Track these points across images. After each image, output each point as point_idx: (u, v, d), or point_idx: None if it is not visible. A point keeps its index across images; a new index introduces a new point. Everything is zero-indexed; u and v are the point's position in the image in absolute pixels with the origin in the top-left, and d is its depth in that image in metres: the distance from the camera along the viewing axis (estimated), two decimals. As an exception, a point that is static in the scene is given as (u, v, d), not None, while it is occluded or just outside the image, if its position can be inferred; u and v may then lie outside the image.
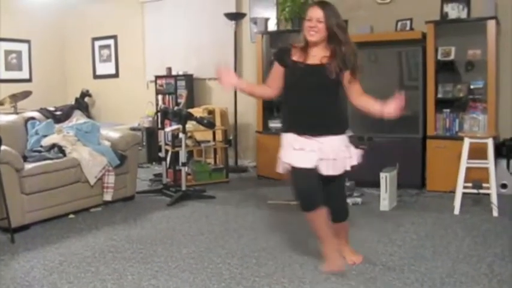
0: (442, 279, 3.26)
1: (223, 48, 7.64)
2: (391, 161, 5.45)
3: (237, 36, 7.48)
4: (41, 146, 5.14)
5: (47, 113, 5.75)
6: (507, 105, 5.87)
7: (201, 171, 6.58)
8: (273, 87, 3.50)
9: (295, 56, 3.40)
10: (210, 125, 6.06)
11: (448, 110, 5.82)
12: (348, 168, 3.44)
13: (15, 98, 7.88)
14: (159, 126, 6.93)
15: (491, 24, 5.46)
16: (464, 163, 4.88)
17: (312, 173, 3.31)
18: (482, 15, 5.58)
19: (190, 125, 6.09)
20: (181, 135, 5.84)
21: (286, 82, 3.44)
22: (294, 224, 4.42)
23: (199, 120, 5.94)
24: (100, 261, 3.73)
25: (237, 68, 7.39)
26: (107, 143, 5.46)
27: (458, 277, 3.28)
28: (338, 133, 3.43)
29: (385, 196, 5.05)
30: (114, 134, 5.69)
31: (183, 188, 5.71)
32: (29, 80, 9.02)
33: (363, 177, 5.81)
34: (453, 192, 5.04)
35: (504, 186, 5.46)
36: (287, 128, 3.46)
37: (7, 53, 8.76)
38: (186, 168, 5.89)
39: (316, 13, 3.34)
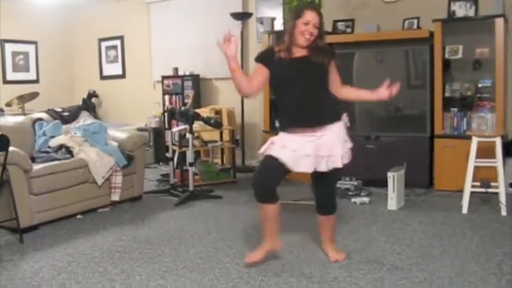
0: (450, 278, 3.25)
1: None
2: (398, 160, 5.43)
3: (244, 36, 7.48)
4: (49, 147, 5.15)
5: (54, 114, 5.78)
6: (515, 103, 5.85)
7: (208, 171, 6.59)
8: (251, 85, 3.41)
9: (280, 55, 3.40)
10: (217, 125, 6.06)
11: (455, 109, 5.79)
12: (340, 166, 3.41)
13: (23, 99, 7.91)
14: (166, 126, 6.93)
15: (499, 22, 5.44)
16: (472, 162, 4.86)
17: (281, 168, 3.35)
18: (490, 13, 5.56)
19: (197, 125, 6.10)
20: (188, 135, 5.84)
21: (275, 80, 3.44)
22: (302, 224, 4.42)
23: (206, 120, 5.94)
24: (108, 262, 3.74)
25: (244, 68, 7.38)
26: (114, 144, 5.48)
27: (466, 276, 3.27)
28: (334, 119, 3.45)
29: (393, 195, 5.03)
30: (122, 135, 5.70)
31: (191, 188, 5.71)
32: (36, 81, 9.06)
33: (371, 176, 5.84)
34: (461, 191, 5.02)
35: (512, 185, 5.43)
36: (286, 125, 3.45)
37: (14, 54, 8.80)
38: (193, 168, 5.90)
39: (315, 18, 3.34)
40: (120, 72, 9.26)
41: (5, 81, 8.63)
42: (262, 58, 3.49)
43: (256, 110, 7.31)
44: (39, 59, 9.13)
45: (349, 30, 6.71)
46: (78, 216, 4.98)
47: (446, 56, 5.81)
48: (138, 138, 5.75)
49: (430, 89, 5.79)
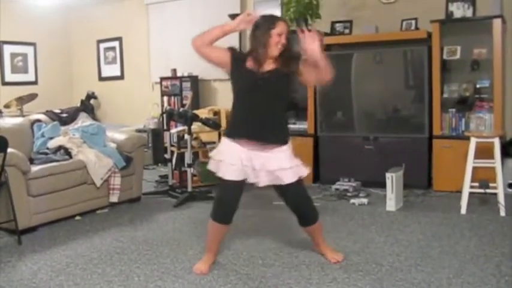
0: (449, 279, 3.25)
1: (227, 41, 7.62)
2: (397, 161, 5.44)
3: (242, 37, 7.48)
4: (47, 148, 5.15)
5: (53, 116, 5.78)
6: (513, 104, 5.86)
7: (207, 173, 6.56)
8: (209, 47, 3.42)
9: (249, 64, 3.38)
10: (215, 126, 6.06)
11: (454, 110, 5.80)
12: (297, 177, 3.43)
13: (21, 100, 7.91)
14: (165, 127, 6.94)
15: (496, 23, 5.44)
16: (470, 163, 4.86)
17: (240, 187, 3.43)
18: (487, 14, 5.56)
19: (195, 126, 6.09)
20: (186, 136, 5.84)
21: (238, 87, 3.42)
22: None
23: (205, 121, 5.94)
24: (106, 263, 3.74)
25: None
26: (113, 145, 5.48)
27: (465, 277, 3.27)
28: (282, 142, 3.42)
29: (391, 196, 5.03)
30: (120, 136, 5.70)
31: (189, 189, 5.71)
32: (35, 83, 9.06)
33: (369, 177, 5.85)
34: (460, 192, 5.03)
35: (511, 185, 5.43)
36: (234, 133, 3.42)
37: (13, 55, 8.79)
38: (192, 169, 5.90)
39: (286, 29, 3.36)
40: (118, 73, 9.25)
41: (4, 83, 8.62)
42: (234, 53, 3.44)
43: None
44: (37, 61, 9.13)
45: (347, 31, 6.71)
46: (77, 218, 4.98)
47: (445, 56, 5.81)
48: (137, 140, 5.75)
49: (429, 90, 5.80)
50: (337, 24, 6.78)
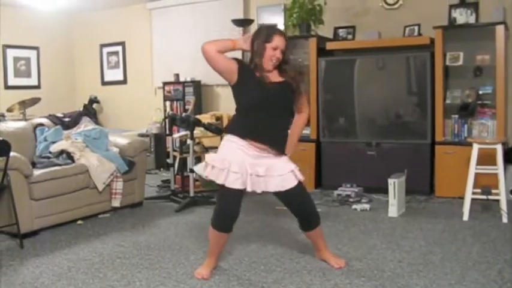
0: (451, 286, 3.24)
1: (230, 55, 7.62)
2: (399, 166, 5.43)
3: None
4: (50, 152, 5.16)
5: (55, 120, 5.79)
6: (516, 110, 5.85)
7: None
8: (219, 54, 3.38)
9: (258, 74, 3.40)
10: (218, 131, 6.06)
11: (456, 116, 5.80)
12: (297, 181, 3.45)
13: (24, 104, 7.93)
14: (167, 132, 6.95)
15: (499, 30, 5.45)
16: (473, 169, 4.86)
17: (241, 195, 3.43)
18: (490, 21, 5.58)
19: (198, 131, 6.10)
20: (189, 141, 5.84)
21: (247, 97, 3.41)
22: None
23: (207, 127, 5.95)
24: (108, 267, 3.74)
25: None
26: (115, 149, 5.48)
27: (467, 284, 3.26)
28: (283, 153, 3.49)
29: (394, 202, 5.03)
30: (122, 140, 5.70)
31: (191, 194, 5.71)
32: (38, 87, 9.08)
33: (371, 183, 5.84)
34: (462, 198, 5.01)
35: (513, 192, 5.43)
36: (239, 131, 3.41)
37: (16, 59, 8.82)
38: (194, 174, 5.89)
39: (282, 44, 3.36)
40: (121, 78, 9.27)
41: (7, 87, 8.66)
42: (242, 66, 3.44)
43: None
44: (40, 65, 9.16)
45: (350, 37, 6.72)
46: (79, 222, 4.98)
47: (447, 62, 5.82)
48: (139, 144, 5.75)
49: (431, 96, 5.80)
50: (340, 30, 6.79)
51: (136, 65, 9.04)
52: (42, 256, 4.01)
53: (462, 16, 5.91)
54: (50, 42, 9.24)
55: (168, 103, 8.28)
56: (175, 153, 6.44)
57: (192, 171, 5.78)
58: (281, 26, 7.15)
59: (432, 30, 5.80)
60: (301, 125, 3.66)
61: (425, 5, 6.25)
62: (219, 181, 3.39)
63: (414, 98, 6.10)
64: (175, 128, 7.04)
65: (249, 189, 3.40)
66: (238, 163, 3.35)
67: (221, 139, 6.59)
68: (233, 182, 3.36)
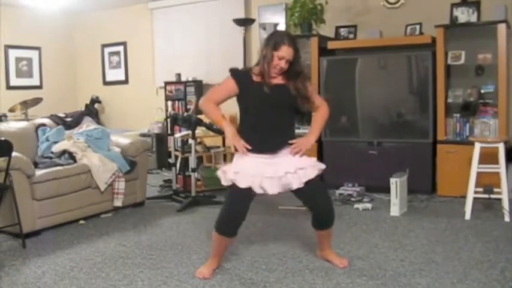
0: (453, 285, 3.24)
1: (232, 54, 7.65)
2: (401, 166, 5.44)
3: (246, 42, 7.49)
4: (52, 152, 5.17)
5: (57, 120, 5.80)
6: (518, 109, 5.85)
7: (211, 177, 6.55)
8: (215, 100, 3.51)
9: (257, 79, 3.40)
10: (219, 131, 6.06)
11: (458, 115, 5.79)
12: (313, 176, 3.44)
13: (26, 104, 7.93)
14: (169, 132, 6.93)
15: (501, 28, 5.44)
16: (475, 168, 4.85)
17: (248, 199, 3.43)
18: (492, 19, 5.57)
19: (199, 130, 6.11)
20: (190, 141, 5.85)
21: (246, 101, 3.44)
22: (304, 230, 4.41)
23: (209, 126, 5.95)
24: (110, 267, 3.74)
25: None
26: (117, 149, 5.48)
27: (469, 283, 3.26)
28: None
29: (396, 201, 5.03)
30: (124, 140, 5.71)
31: (193, 193, 5.71)
32: (40, 87, 9.08)
33: (373, 182, 5.84)
34: (464, 197, 5.01)
35: (515, 191, 5.42)
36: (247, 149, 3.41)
37: (18, 60, 8.82)
38: (196, 174, 5.90)
39: (289, 54, 3.34)
40: (123, 78, 9.27)
41: (9, 87, 8.65)
42: (237, 75, 3.48)
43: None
44: (42, 65, 9.16)
45: (351, 36, 6.72)
46: (81, 222, 4.99)
47: (449, 61, 5.81)
48: (141, 144, 5.76)
49: (433, 95, 5.79)
50: (342, 29, 6.79)
51: (138, 65, 9.04)
52: (44, 256, 4.01)
53: (464, 15, 5.90)
54: (51, 42, 9.24)
55: (169, 103, 8.29)
56: (177, 153, 6.44)
57: (193, 170, 5.78)
58: (282, 26, 7.17)
59: (434, 29, 5.79)
60: (319, 118, 3.61)
61: (427, 4, 6.24)
62: (225, 183, 3.42)
63: (416, 97, 6.09)
64: (177, 127, 7.04)
65: (269, 191, 3.38)
66: (252, 167, 3.35)
67: (223, 139, 6.66)
68: (244, 182, 3.35)
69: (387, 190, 5.12)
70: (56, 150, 5.17)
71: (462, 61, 5.78)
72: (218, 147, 6.81)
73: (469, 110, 5.77)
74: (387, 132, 6.10)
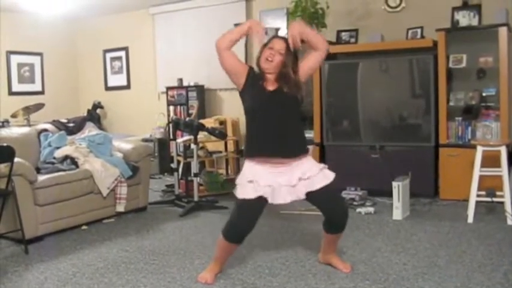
0: (456, 288, 3.24)
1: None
2: (403, 169, 5.43)
3: (248, 46, 7.51)
4: (54, 158, 5.17)
5: (59, 125, 5.80)
6: (520, 112, 5.84)
7: (213, 182, 6.59)
8: (229, 50, 3.44)
9: (262, 83, 3.40)
10: (221, 135, 6.07)
11: (460, 118, 5.79)
12: (327, 182, 3.41)
13: (28, 110, 7.95)
14: (171, 137, 6.94)
15: (502, 31, 5.45)
16: (477, 171, 4.85)
17: (259, 209, 3.40)
18: (493, 22, 5.57)
19: (201, 135, 6.11)
20: (193, 146, 5.85)
21: (249, 105, 3.42)
22: (307, 234, 4.41)
23: (211, 131, 5.96)
24: (113, 273, 3.74)
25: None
26: (119, 155, 5.49)
27: (473, 286, 3.25)
28: (302, 152, 3.43)
29: (398, 205, 5.02)
30: (126, 146, 5.71)
31: (195, 198, 5.72)
32: (42, 93, 9.11)
33: (376, 186, 5.83)
34: (466, 200, 5.00)
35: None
36: (255, 153, 3.40)
37: (20, 65, 8.84)
38: (198, 179, 5.90)
39: (280, 45, 3.34)
40: (124, 83, 9.30)
41: (11, 93, 8.68)
42: (252, 71, 3.46)
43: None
44: (44, 71, 9.19)
45: (353, 40, 6.73)
46: (83, 227, 4.99)
47: (450, 65, 5.81)
48: (143, 149, 5.76)
49: (435, 98, 5.79)
50: (343, 33, 6.79)
51: (140, 70, 9.07)
52: (47, 262, 4.01)
53: (465, 18, 5.91)
54: (53, 48, 9.27)
55: (171, 108, 8.29)
56: (179, 158, 6.45)
57: (195, 175, 5.78)
58: (284, 30, 7.17)
59: (435, 33, 5.80)
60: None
61: (428, 8, 6.25)
62: (239, 195, 3.37)
63: (417, 101, 6.08)
64: (179, 132, 7.05)
65: (282, 201, 3.38)
66: (264, 176, 3.33)
67: (225, 144, 6.66)
68: (252, 193, 3.32)
69: (390, 194, 5.11)
70: (58, 156, 5.18)
71: (464, 64, 5.79)
72: (220, 152, 6.82)
73: (470, 113, 5.77)
74: (389, 136, 6.10)
